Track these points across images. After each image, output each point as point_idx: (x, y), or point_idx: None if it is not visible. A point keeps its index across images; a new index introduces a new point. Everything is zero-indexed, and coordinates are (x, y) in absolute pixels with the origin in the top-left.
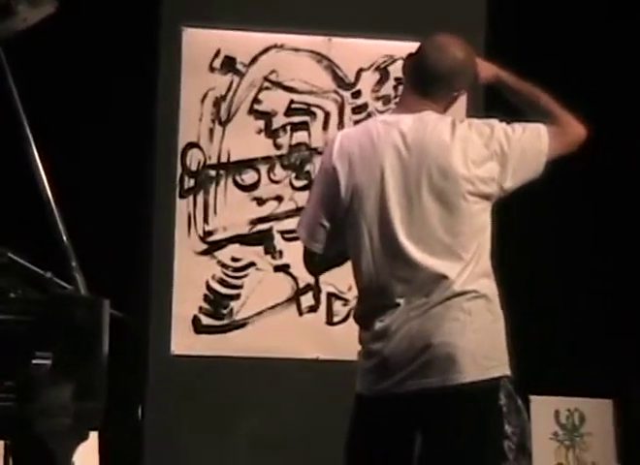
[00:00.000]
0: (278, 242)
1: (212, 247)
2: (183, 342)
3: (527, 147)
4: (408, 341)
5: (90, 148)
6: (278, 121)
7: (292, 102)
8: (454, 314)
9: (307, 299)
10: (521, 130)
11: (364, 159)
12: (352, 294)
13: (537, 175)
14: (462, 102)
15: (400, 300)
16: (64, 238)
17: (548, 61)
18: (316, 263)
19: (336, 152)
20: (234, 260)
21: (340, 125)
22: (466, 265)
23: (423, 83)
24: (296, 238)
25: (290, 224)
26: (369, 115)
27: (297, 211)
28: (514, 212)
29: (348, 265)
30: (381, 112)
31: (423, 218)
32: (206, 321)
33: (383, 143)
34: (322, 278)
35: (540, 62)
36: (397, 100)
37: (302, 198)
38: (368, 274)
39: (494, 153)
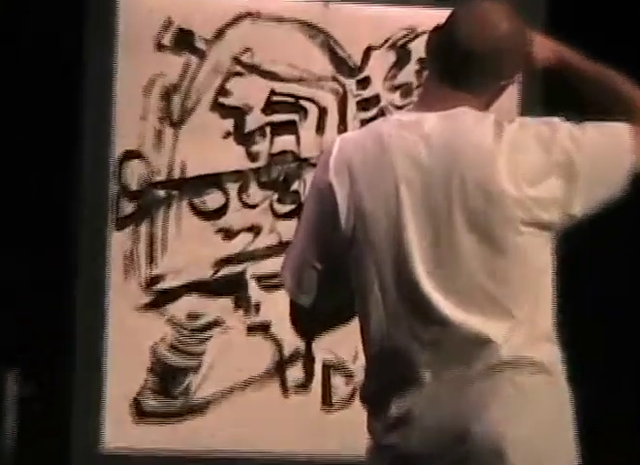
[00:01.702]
0: (254, 292)
1: (161, 299)
2: (120, 433)
3: (603, 155)
4: (437, 431)
5: None
6: (254, 120)
7: (273, 93)
8: (501, 392)
9: (296, 373)
10: (595, 132)
11: (371, 173)
12: (359, 366)
13: (620, 193)
14: (511, 95)
15: (426, 373)
16: None
17: (634, 37)
18: (308, 323)
19: (333, 164)
20: (191, 317)
21: (342, 126)
22: (519, 324)
23: (455, 68)
24: (279, 286)
25: (270, 266)
26: (382, 112)
27: (280, 247)
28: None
29: (354, 325)
30: (399, 108)
31: (455, 256)
32: (151, 403)
33: (398, 152)
34: (316, 343)
35: (624, 38)
36: (419, 91)
37: (287, 228)
38: (380, 336)
39: (556, 165)
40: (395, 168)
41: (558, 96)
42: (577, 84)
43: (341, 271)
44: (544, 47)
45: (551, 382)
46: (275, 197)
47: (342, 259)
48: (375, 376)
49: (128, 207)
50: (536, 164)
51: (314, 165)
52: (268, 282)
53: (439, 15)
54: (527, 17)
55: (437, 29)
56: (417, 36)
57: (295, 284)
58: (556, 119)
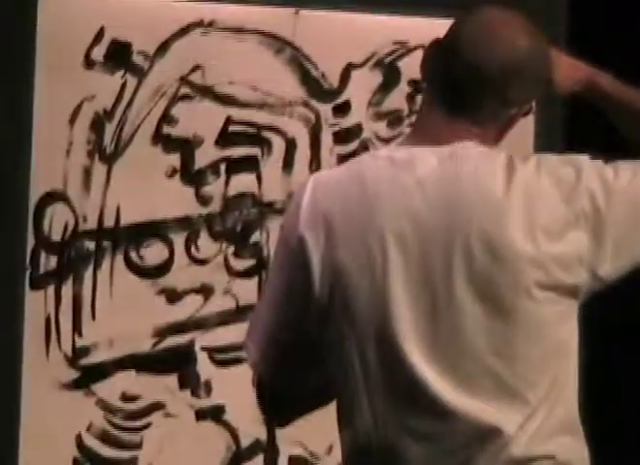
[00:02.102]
0: (204, 368)
1: (89, 376)
2: None
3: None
4: None
5: None
6: (206, 155)
7: (230, 121)
8: None
9: None
10: (630, 172)
11: (353, 228)
12: (334, 461)
13: None
14: (526, 126)
15: None
16: None
17: None
18: (279, 406)
19: (305, 214)
20: (126, 398)
21: (314, 162)
22: (534, 413)
23: (457, 92)
24: (235, 361)
25: (224, 336)
26: (365, 146)
27: (237, 313)
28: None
29: (327, 410)
30: (385, 141)
31: (456, 331)
32: None
33: (386, 198)
34: (281, 432)
35: None
36: (413, 119)
37: (245, 289)
38: (363, 427)
39: (580, 215)
40: (382, 222)
41: (581, 128)
42: (609, 114)
43: (316, 347)
44: (570, 69)
45: None
46: (231, 250)
47: (317, 332)
48: None
49: (48, 263)
50: (558, 214)
51: (280, 211)
52: (221, 356)
53: (436, 27)
54: (546, 30)
55: (436, 44)
56: (408, 51)
57: (262, 360)
58: (581, 157)
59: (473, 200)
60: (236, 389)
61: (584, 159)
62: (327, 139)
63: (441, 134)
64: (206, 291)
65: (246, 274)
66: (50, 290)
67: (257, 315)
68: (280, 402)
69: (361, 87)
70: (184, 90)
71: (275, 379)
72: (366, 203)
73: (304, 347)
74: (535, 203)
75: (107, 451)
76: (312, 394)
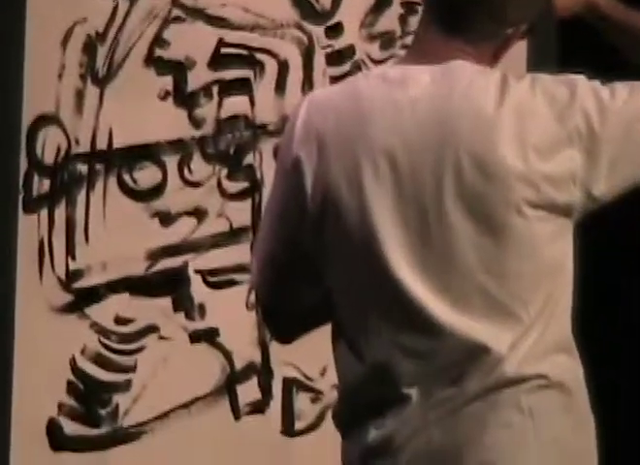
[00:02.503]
0: (198, 290)
1: (82, 299)
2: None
3: (636, 123)
4: (425, 461)
5: None
6: (198, 78)
7: (222, 43)
8: (504, 416)
9: (249, 390)
10: (626, 92)
11: (343, 142)
12: (328, 382)
13: None
14: (520, 50)
15: (411, 391)
16: None
17: None
18: (279, 324)
19: (299, 133)
20: (120, 321)
21: (307, 84)
22: (527, 331)
23: (453, 10)
24: (229, 283)
25: (218, 258)
26: (358, 67)
27: (230, 236)
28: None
29: (321, 332)
30: (378, 62)
31: (446, 248)
32: (71, 428)
33: (378, 116)
34: (275, 354)
35: None
36: (406, 41)
37: (238, 212)
38: (356, 348)
39: (574, 133)
40: (374, 138)
41: (575, 50)
42: (608, 36)
43: (311, 265)
44: None
45: (567, 403)
46: (224, 172)
47: (311, 249)
48: (351, 395)
49: (41, 186)
50: (550, 132)
51: (273, 133)
52: (215, 278)
53: None
54: None
55: None
56: None
57: (259, 278)
58: (577, 77)
59: (464, 116)
60: (230, 312)
61: (579, 79)
62: (319, 60)
63: (436, 53)
64: (199, 213)
65: (240, 196)
66: (44, 213)
67: (258, 237)
68: (280, 320)
69: (353, 8)
70: (176, 12)
71: (273, 297)
72: (358, 120)
73: (299, 265)
74: (527, 121)
75: (101, 374)
76: (310, 311)
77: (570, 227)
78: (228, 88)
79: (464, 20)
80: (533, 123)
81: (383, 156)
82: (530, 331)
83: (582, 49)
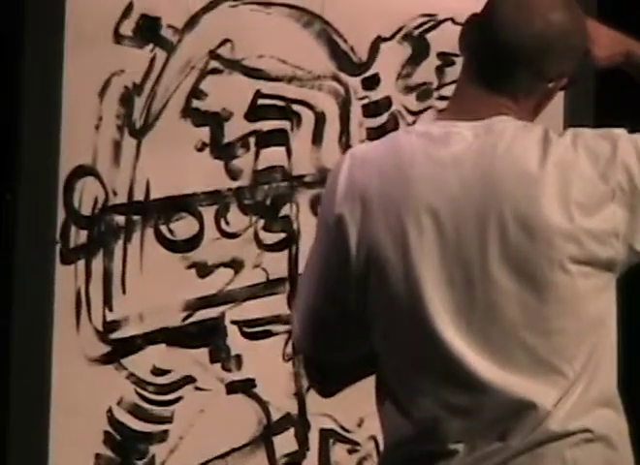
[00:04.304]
0: (235, 341)
1: (119, 350)
2: None
3: None
4: None
5: None
6: (235, 129)
7: (259, 94)
8: None
9: (286, 441)
10: None
11: (387, 201)
12: (365, 433)
13: None
14: (557, 101)
15: (458, 446)
16: None
17: None
18: (322, 377)
19: (342, 189)
20: (157, 372)
21: (344, 136)
22: (571, 387)
23: (493, 67)
24: (265, 334)
25: (255, 309)
26: (395, 119)
27: (267, 287)
28: None
29: (360, 384)
30: (415, 114)
31: (490, 305)
32: None
33: (422, 175)
34: (312, 405)
35: None
36: (442, 92)
37: (275, 262)
38: (401, 405)
39: (617, 189)
40: (417, 197)
41: (613, 103)
42: None
43: (355, 320)
44: (608, 41)
45: (611, 457)
46: (261, 223)
47: (356, 305)
48: (397, 450)
49: (79, 237)
50: (593, 188)
51: (309, 184)
52: (251, 329)
53: (470, 1)
54: (581, 3)
55: (473, 19)
56: (437, 24)
57: (301, 332)
58: (618, 131)
59: (508, 174)
60: (266, 363)
61: (620, 132)
62: (356, 112)
63: (478, 108)
64: (236, 264)
65: (276, 247)
66: (81, 264)
67: (300, 290)
68: (323, 374)
69: (390, 60)
70: (213, 64)
71: (317, 351)
72: (401, 179)
73: (341, 321)
74: (571, 178)
75: (137, 425)
76: (354, 365)
77: (613, 281)
78: (265, 139)
79: (505, 76)
80: (576, 180)
81: (427, 214)
82: (575, 386)
83: (619, 100)
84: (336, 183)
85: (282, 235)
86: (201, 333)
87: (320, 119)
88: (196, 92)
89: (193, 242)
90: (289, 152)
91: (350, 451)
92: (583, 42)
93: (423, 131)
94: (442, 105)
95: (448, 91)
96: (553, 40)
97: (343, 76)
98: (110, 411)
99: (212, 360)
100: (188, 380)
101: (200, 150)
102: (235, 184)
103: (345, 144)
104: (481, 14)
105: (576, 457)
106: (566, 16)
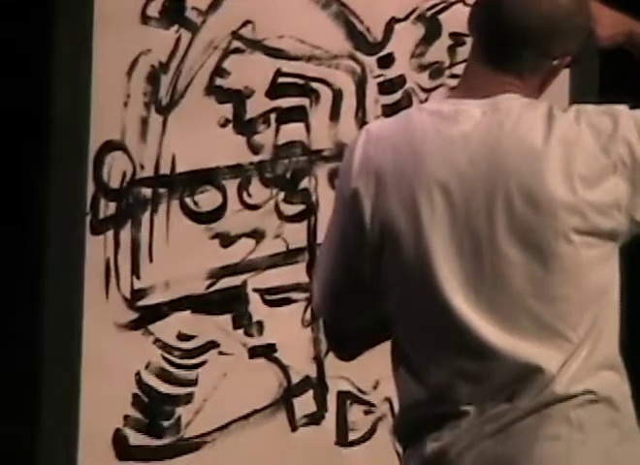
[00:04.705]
0: (256, 308)
1: (147, 317)
2: None
3: None
4: None
5: None
6: (257, 106)
7: (279, 73)
8: (554, 429)
9: (306, 403)
10: None
11: (400, 177)
12: (380, 395)
13: None
14: (563, 79)
15: (468, 408)
16: None
17: None
18: (341, 343)
19: (357, 165)
20: (182, 338)
21: (360, 112)
22: (576, 351)
23: (500, 45)
24: (285, 302)
25: (275, 277)
26: (408, 96)
27: (287, 256)
28: None
29: (375, 348)
30: (427, 91)
31: (498, 274)
32: (135, 439)
33: (433, 151)
34: (330, 369)
35: None
36: (454, 70)
37: (295, 233)
38: (415, 369)
39: (619, 162)
40: (429, 173)
41: (617, 80)
42: None
43: (371, 289)
44: (611, 21)
45: (614, 417)
46: (281, 196)
47: (371, 275)
48: (411, 413)
49: (108, 208)
50: (595, 162)
51: (327, 158)
52: (272, 297)
53: None
54: None
55: (481, 1)
56: (449, 6)
57: (321, 300)
58: (619, 107)
59: (514, 150)
60: (286, 329)
61: (622, 108)
62: (372, 89)
63: (486, 86)
64: (257, 235)
65: (296, 219)
66: (110, 234)
67: (319, 261)
68: (342, 339)
69: (403, 40)
70: (235, 44)
71: (335, 318)
72: (413, 155)
73: (358, 289)
74: (574, 152)
75: (164, 388)
76: (370, 331)
77: (616, 251)
78: (285, 116)
79: (512, 55)
80: (579, 154)
81: (438, 189)
82: (579, 351)
83: (622, 78)
84: (352, 159)
85: (302, 207)
86: (224, 301)
87: (337, 96)
88: (219, 71)
89: (217, 214)
90: (308, 128)
91: (366, 412)
92: (587, 22)
93: (433, 109)
94: (454, 83)
95: (459, 70)
96: (558, 20)
97: (359, 55)
98: (138, 374)
99: (235, 326)
100: (212, 345)
101: (223, 126)
102: (256, 158)
103: (361, 120)
104: None
105: (580, 417)
106: None
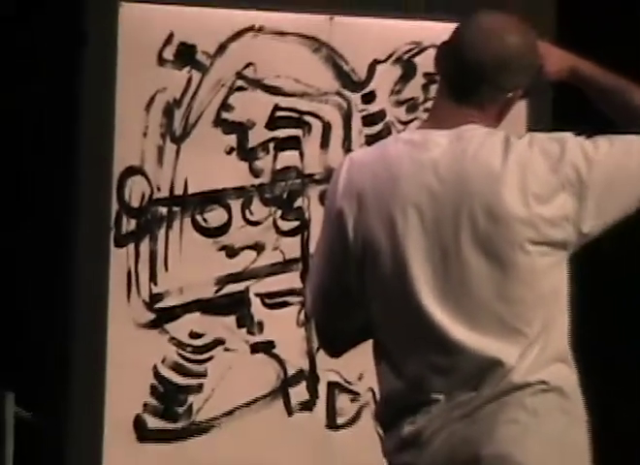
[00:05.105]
0: (257, 310)
1: (163, 317)
2: (121, 455)
3: (617, 169)
4: (448, 451)
5: None
6: (257, 136)
7: (276, 108)
8: (512, 414)
9: (300, 392)
10: (607, 144)
11: (378, 197)
12: (364, 385)
13: (633, 210)
14: (521, 110)
15: (439, 396)
16: None
17: None
18: (330, 342)
19: (342, 187)
20: (193, 336)
21: (346, 142)
22: (531, 346)
23: (461, 81)
24: (282, 305)
25: (274, 283)
26: (388, 128)
27: (284, 265)
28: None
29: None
30: (404, 123)
31: (464, 281)
32: (153, 423)
33: (407, 175)
34: (321, 362)
35: (636, 49)
36: (427, 105)
37: (290, 245)
38: (393, 364)
39: (566, 181)
40: (404, 195)
41: (567, 109)
42: (592, 97)
43: (355, 295)
44: (556, 59)
45: (564, 404)
46: (279, 213)
47: (355, 283)
48: (391, 400)
49: (129, 225)
50: (546, 181)
51: (318, 181)
52: (271, 300)
53: (446, 29)
54: (536, 28)
55: (444, 44)
56: (423, 50)
57: (312, 305)
58: (567, 135)
59: (476, 173)
60: (283, 328)
61: (568, 135)
62: (357, 122)
63: (451, 118)
64: (258, 247)
65: (291, 233)
66: (131, 247)
67: (311, 270)
68: (331, 338)
69: (384, 79)
70: (239, 83)
71: (325, 321)
72: (390, 179)
73: (346, 295)
74: (528, 174)
75: (178, 379)
76: (355, 332)
77: (565, 258)
78: (281, 145)
79: (471, 90)
80: (533, 175)
81: (412, 208)
82: (534, 345)
83: (573, 109)
84: (337, 183)
85: (296, 223)
86: (229, 304)
87: (327, 128)
88: (225, 106)
89: (223, 229)
90: (301, 155)
91: (352, 400)
92: (535, 59)
93: (407, 138)
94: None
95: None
96: (509, 59)
97: (346, 92)
98: (155, 367)
99: (239, 326)
100: (219, 342)
101: (228, 153)
102: (257, 181)
103: (348, 148)
104: (450, 40)
105: (535, 404)
106: (519, 39)
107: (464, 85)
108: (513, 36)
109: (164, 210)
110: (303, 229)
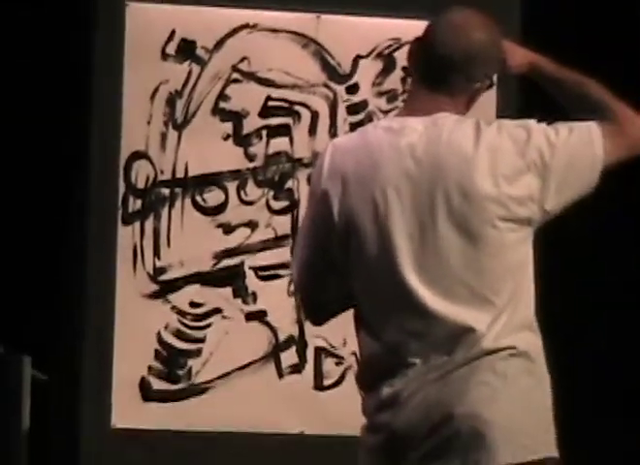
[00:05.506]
0: (251, 282)
1: (165, 289)
2: (127, 413)
3: (575, 154)
4: (424, 411)
5: (2, 159)
6: (251, 124)
7: (269, 98)
8: (482, 377)
9: (290, 357)
10: (566, 132)
11: (361, 180)
12: (348, 350)
13: (590, 189)
14: (490, 99)
15: (415, 360)
16: None
17: (604, 46)
18: (314, 311)
19: (326, 170)
20: (193, 305)
21: (332, 129)
22: (500, 314)
23: (433, 72)
24: (274, 277)
25: (266, 258)
26: (370, 117)
27: (275, 241)
28: (563, 235)
29: (343, 314)
30: (385, 113)
31: (439, 254)
32: (157, 384)
33: (386, 159)
34: (309, 329)
35: (593, 47)
36: (405, 97)
37: (281, 223)
38: (373, 331)
39: (531, 164)
40: (384, 177)
41: (532, 100)
42: (550, 90)
43: (341, 269)
44: (517, 55)
45: (530, 367)
46: (271, 194)
47: (338, 257)
48: (370, 364)
49: (135, 204)
50: (513, 164)
51: (306, 164)
52: (264, 273)
53: (421, 26)
54: (502, 27)
55: (417, 40)
56: (402, 45)
57: (298, 277)
58: (530, 122)
59: (450, 156)
60: (275, 298)
61: (532, 122)
62: (342, 111)
63: (424, 107)
64: (252, 225)
65: (282, 212)
66: (137, 225)
67: (296, 245)
68: (315, 308)
69: (367, 72)
70: (235, 75)
71: (309, 292)
72: (371, 163)
73: (328, 269)
74: (497, 157)
75: (179, 344)
76: (337, 302)
77: (531, 234)
78: (273, 132)
79: (442, 81)
80: (502, 158)
81: (391, 189)
82: (503, 314)
83: (536, 98)
84: (322, 166)
85: (287, 203)
86: (226, 276)
87: (315, 116)
88: (222, 96)
89: (220, 208)
90: (291, 141)
91: (337, 363)
92: (499, 53)
93: (386, 125)
94: None
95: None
96: (476, 52)
97: (332, 84)
98: (158, 334)
99: (235, 296)
100: (216, 311)
101: (225, 140)
102: (251, 165)
103: (333, 135)
104: (422, 36)
105: (504, 367)
106: (485, 35)
107: (437, 76)
108: (479, 32)
109: (167, 191)
110: (293, 208)
